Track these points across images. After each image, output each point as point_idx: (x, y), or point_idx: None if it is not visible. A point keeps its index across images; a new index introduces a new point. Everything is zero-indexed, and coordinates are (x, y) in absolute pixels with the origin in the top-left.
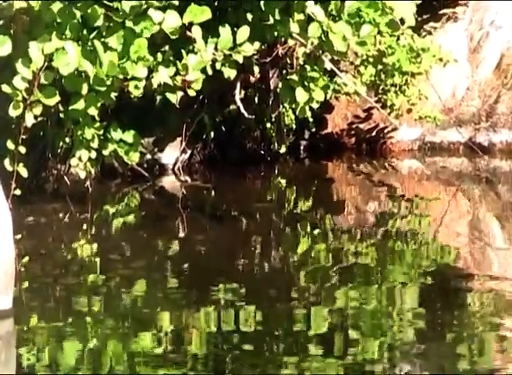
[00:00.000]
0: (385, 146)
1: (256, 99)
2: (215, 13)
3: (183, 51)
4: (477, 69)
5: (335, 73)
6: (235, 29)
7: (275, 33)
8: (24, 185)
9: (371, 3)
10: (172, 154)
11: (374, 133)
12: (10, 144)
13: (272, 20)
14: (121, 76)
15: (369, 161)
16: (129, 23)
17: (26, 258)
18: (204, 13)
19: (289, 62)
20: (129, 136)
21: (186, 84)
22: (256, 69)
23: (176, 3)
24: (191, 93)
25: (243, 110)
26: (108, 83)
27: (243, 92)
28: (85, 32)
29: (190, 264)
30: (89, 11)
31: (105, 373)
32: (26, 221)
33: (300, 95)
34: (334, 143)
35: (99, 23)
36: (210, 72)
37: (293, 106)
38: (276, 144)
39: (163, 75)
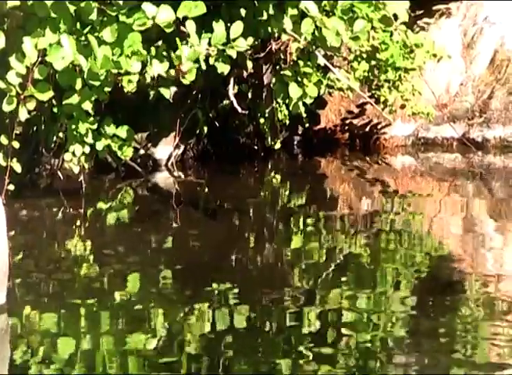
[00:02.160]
0: (378, 142)
1: (249, 95)
2: (209, 8)
3: (178, 42)
4: (471, 64)
5: (328, 68)
6: (228, 24)
7: (269, 29)
8: (18, 180)
9: None
10: (166, 149)
11: (367, 129)
12: (4, 140)
13: (265, 16)
14: (115, 71)
15: (362, 156)
16: (122, 18)
17: (20, 254)
18: (199, 8)
19: (282, 57)
20: (122, 131)
21: (181, 74)
22: (249, 64)
23: None
24: (185, 82)
25: (236, 105)
26: (102, 77)
27: (236, 87)
28: (79, 27)
29: (184, 259)
30: (82, 5)
31: (99, 369)
32: (20, 216)
33: (294, 91)
34: (327, 138)
35: (93, 17)
36: (204, 66)
37: (287, 102)
38: (270, 139)
39: (157, 68)
